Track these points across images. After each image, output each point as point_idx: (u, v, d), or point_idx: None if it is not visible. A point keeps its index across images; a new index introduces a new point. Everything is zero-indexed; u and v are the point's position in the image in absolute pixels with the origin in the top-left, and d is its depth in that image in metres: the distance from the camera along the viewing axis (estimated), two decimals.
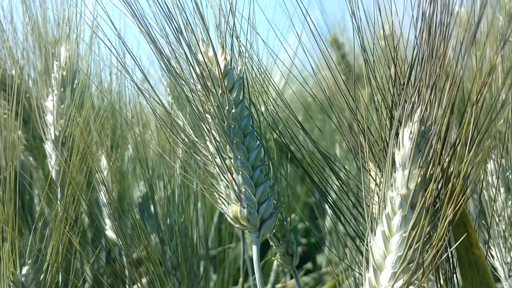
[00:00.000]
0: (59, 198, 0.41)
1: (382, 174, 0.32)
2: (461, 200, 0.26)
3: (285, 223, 0.41)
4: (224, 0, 0.35)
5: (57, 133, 0.42)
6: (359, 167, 0.34)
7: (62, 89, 0.42)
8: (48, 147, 0.42)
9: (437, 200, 0.27)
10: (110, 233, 0.49)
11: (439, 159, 0.26)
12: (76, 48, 0.43)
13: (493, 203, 0.41)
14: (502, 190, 0.42)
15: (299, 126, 0.37)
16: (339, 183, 0.35)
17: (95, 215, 0.50)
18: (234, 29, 0.35)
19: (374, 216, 0.31)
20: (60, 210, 0.36)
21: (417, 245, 0.27)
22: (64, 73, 0.42)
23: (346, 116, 0.33)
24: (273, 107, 0.38)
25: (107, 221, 0.49)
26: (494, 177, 0.43)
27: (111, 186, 0.48)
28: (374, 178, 0.34)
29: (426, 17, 0.27)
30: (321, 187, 0.36)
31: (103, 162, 0.49)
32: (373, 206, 0.33)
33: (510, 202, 0.42)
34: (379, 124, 0.31)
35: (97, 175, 0.46)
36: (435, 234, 0.26)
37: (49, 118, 0.43)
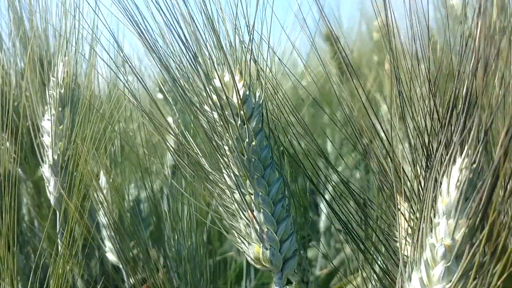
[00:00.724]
0: (58, 232, 0.38)
1: (414, 213, 0.30)
2: None
3: (301, 252, 0.39)
4: (239, 18, 0.33)
5: (56, 157, 0.39)
6: (387, 204, 0.32)
7: (60, 109, 0.39)
8: (46, 171, 0.39)
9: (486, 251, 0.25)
10: (110, 256, 0.46)
11: (489, 209, 0.24)
12: (74, 64, 0.39)
13: None
14: None
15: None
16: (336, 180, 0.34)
17: (94, 236, 0.47)
18: (251, 51, 0.32)
19: (407, 256, 0.29)
20: (61, 248, 0.33)
21: None
22: (62, 91, 0.39)
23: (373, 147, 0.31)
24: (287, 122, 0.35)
25: (107, 242, 0.46)
26: None
27: (111, 206, 0.45)
28: (403, 213, 0.32)
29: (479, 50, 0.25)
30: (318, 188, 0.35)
31: (102, 179, 0.46)
32: (406, 245, 0.31)
33: None
34: (414, 162, 0.29)
35: (95, 195, 0.44)
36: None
37: (46, 140, 0.40)
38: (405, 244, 0.31)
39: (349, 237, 0.35)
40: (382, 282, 0.36)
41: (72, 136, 0.38)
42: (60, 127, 0.39)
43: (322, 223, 0.86)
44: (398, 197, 0.32)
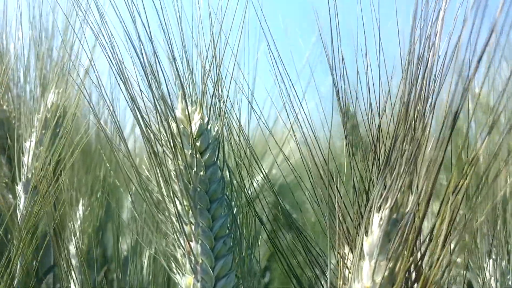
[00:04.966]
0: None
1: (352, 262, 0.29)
2: None
3: None
4: (208, 50, 0.34)
5: (30, 176, 0.40)
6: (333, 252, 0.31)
7: (43, 131, 0.41)
8: (19, 189, 0.40)
9: None
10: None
11: (411, 251, 0.23)
12: (64, 91, 0.42)
13: None
14: None
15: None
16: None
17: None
18: (218, 87, 0.33)
19: None
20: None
21: None
22: (49, 115, 0.41)
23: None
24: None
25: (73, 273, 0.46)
26: (493, 279, 0.39)
27: (82, 236, 0.45)
28: (348, 265, 0.30)
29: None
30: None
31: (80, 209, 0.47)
32: None
33: None
34: (357, 207, 0.28)
35: (70, 224, 0.44)
36: None
37: (25, 159, 0.41)
38: None
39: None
40: None
41: (49, 157, 0.39)
42: (40, 148, 0.40)
43: None
44: (337, 240, 0.31)
